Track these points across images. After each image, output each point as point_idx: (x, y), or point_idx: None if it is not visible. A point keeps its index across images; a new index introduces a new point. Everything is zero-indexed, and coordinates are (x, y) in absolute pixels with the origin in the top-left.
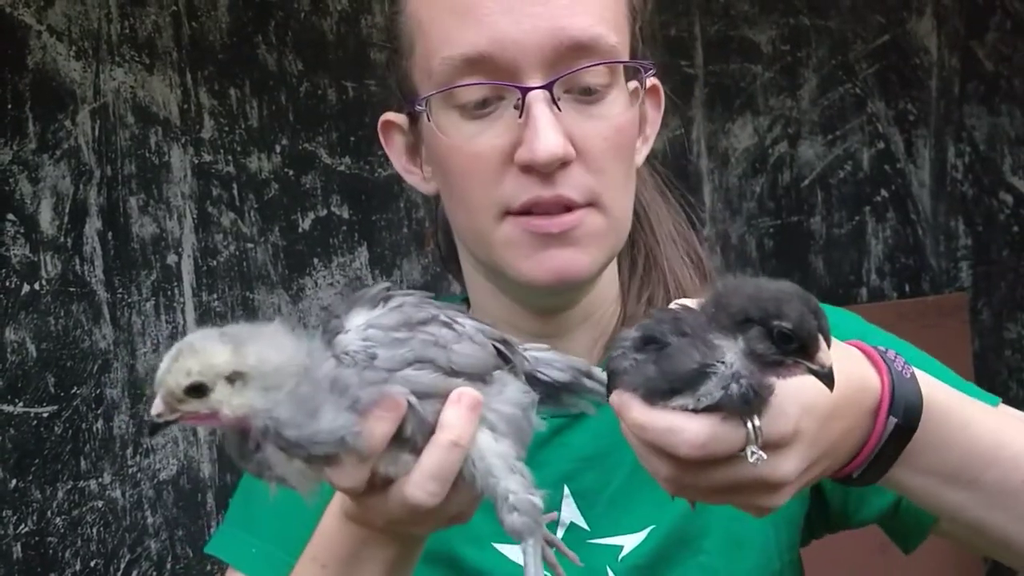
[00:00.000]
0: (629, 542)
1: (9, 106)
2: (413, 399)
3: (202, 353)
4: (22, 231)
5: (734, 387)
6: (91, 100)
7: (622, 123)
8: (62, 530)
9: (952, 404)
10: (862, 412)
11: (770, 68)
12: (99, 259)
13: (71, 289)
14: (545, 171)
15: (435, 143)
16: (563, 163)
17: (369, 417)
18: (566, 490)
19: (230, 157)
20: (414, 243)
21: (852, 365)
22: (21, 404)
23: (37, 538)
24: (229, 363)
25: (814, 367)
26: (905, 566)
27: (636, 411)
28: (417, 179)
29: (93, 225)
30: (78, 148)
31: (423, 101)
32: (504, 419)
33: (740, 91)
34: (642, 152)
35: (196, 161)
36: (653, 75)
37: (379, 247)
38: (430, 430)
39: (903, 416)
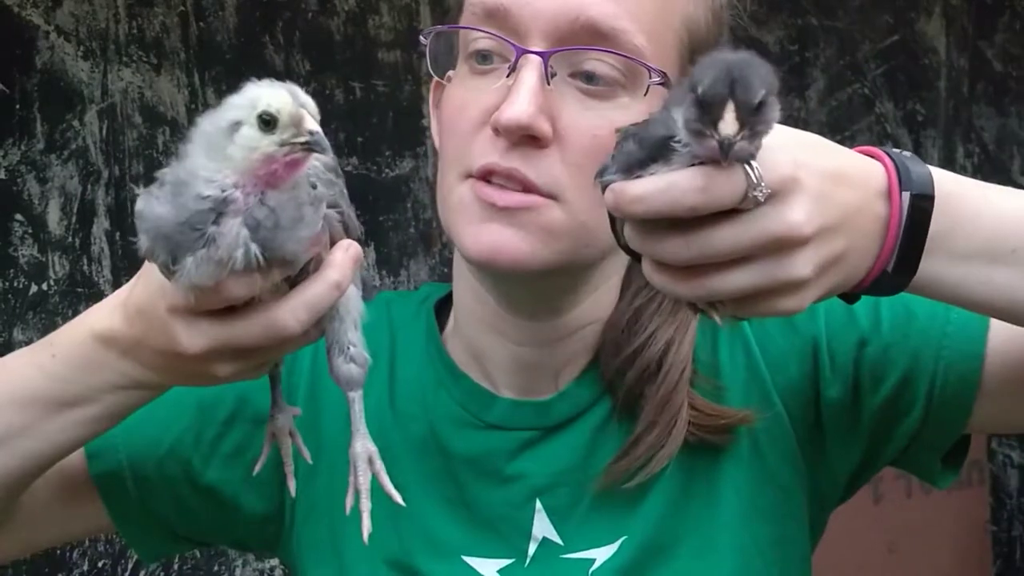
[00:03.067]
0: (601, 554)
1: (17, 106)
2: (326, 237)
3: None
4: (30, 231)
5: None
6: (99, 100)
7: None
8: None
9: (963, 181)
10: (871, 192)
11: (778, 68)
12: (107, 259)
13: (79, 289)
14: (508, 138)
15: (444, 96)
16: (534, 140)
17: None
18: (538, 504)
19: None
20: (421, 243)
21: (848, 151)
22: None
23: None
24: None
25: (715, 135)
26: (913, 566)
27: (630, 186)
28: (439, 142)
29: (101, 225)
30: (86, 148)
31: (426, 33)
32: (363, 284)
33: None
34: None
35: None
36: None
37: (386, 247)
38: (314, 269)
39: (916, 186)
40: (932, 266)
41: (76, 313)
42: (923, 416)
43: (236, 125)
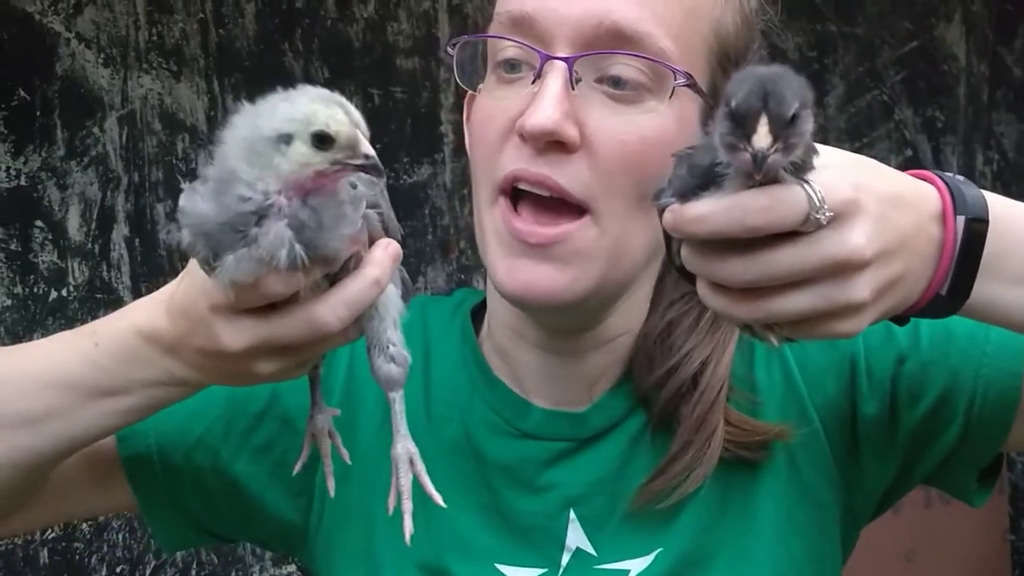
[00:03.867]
0: (636, 566)
1: (38, 113)
2: (365, 236)
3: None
4: (50, 237)
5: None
6: (119, 107)
7: (651, 134)
8: (88, 536)
9: (1012, 203)
10: (926, 215)
11: (797, 75)
12: (126, 265)
13: (98, 295)
14: (534, 144)
15: (474, 106)
16: (561, 145)
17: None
18: (572, 514)
19: None
20: (439, 250)
21: (900, 174)
22: None
23: (64, 543)
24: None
25: (748, 148)
26: (931, 574)
27: (691, 206)
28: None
29: (120, 231)
30: (106, 155)
31: (452, 44)
32: (402, 282)
33: None
34: None
35: None
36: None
37: (404, 254)
38: (354, 267)
39: (971, 210)
40: (984, 289)
41: (96, 319)
42: (962, 433)
43: (286, 137)
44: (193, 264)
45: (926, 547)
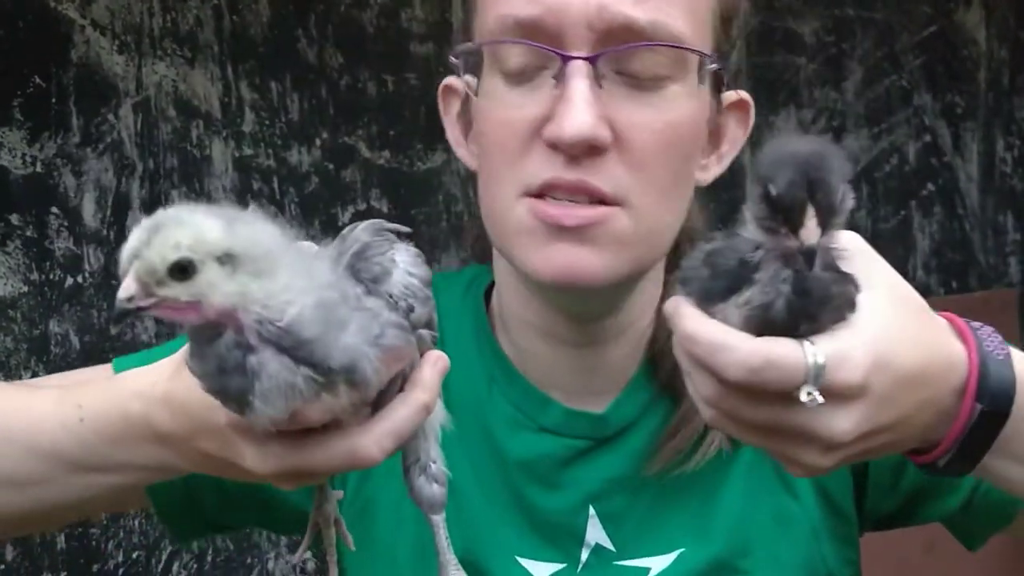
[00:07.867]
0: (657, 564)
1: (53, 100)
2: (417, 357)
3: (191, 225)
4: (66, 224)
5: (781, 290)
6: (133, 94)
7: (678, 120)
8: (105, 521)
9: None
10: (946, 389)
11: (814, 60)
12: None
13: (114, 282)
14: (571, 152)
15: (477, 111)
16: (595, 149)
17: (385, 359)
18: (591, 511)
19: (270, 151)
20: (453, 237)
21: (939, 335)
22: None
23: (80, 529)
24: (223, 240)
25: (795, 241)
26: (951, 566)
27: (688, 320)
28: (464, 152)
29: (135, 218)
30: (121, 142)
31: (460, 53)
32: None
33: (784, 84)
34: (712, 171)
35: (237, 155)
36: (731, 80)
37: (418, 241)
38: (398, 389)
39: (990, 402)
40: (989, 462)
41: (111, 306)
42: (964, 506)
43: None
44: (187, 352)
45: (945, 538)
